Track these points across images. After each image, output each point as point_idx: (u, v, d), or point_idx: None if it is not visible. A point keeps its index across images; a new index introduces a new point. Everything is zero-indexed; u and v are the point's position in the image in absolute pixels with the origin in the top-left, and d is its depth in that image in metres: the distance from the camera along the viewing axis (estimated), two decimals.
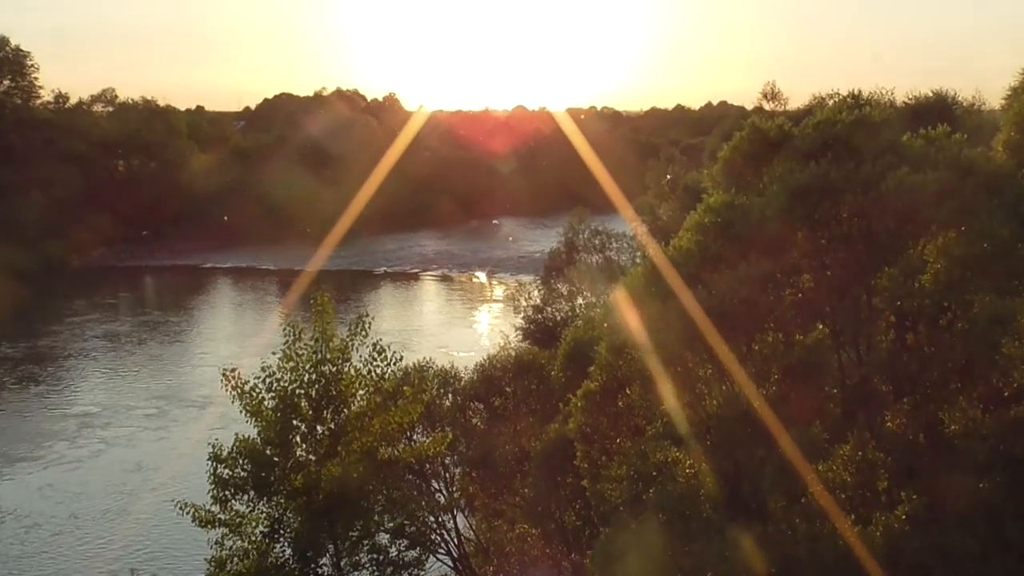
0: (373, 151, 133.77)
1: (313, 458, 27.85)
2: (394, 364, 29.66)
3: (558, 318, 64.88)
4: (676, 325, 19.64)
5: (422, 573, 31.04)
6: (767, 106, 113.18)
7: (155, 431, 62.27)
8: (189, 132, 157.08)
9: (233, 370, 27.47)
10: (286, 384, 27.74)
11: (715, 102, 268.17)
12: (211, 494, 27.22)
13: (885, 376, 19.73)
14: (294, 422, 27.91)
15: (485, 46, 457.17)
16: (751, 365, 19.71)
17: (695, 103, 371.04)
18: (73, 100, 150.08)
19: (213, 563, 27.16)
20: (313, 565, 27.53)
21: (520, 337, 64.45)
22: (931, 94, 72.12)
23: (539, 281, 69.91)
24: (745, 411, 19.15)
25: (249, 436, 27.74)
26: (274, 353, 28.14)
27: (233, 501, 27.34)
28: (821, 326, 20.15)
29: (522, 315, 67.26)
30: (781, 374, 19.54)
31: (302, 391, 27.89)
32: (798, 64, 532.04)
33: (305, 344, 27.98)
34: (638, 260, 58.00)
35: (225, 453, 27.32)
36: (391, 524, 30.51)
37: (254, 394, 27.53)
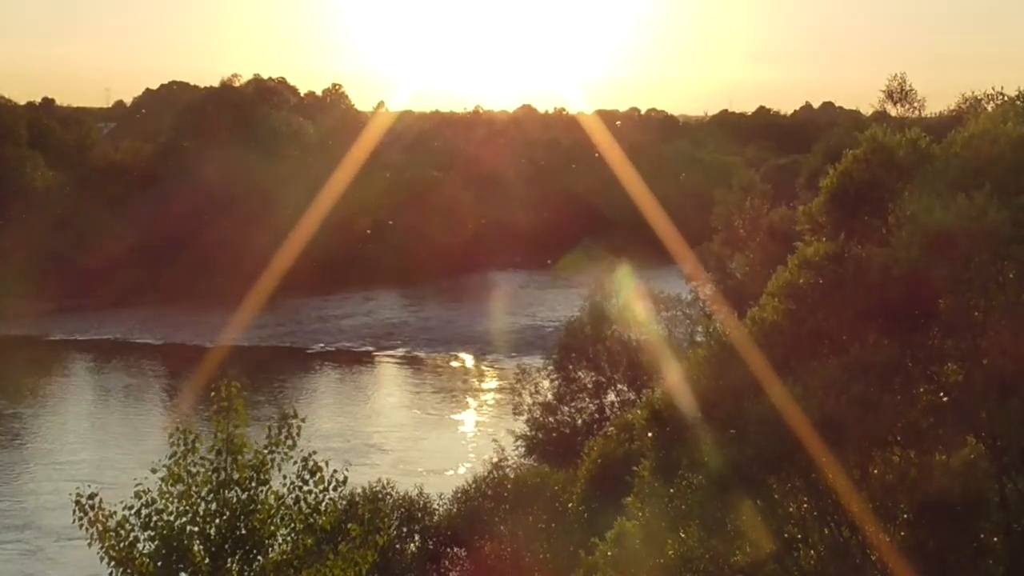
0: (309, 169, 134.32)
1: None
2: (334, 489, 29.41)
3: (578, 422, 64.76)
4: (756, 435, 19.56)
5: None
6: (894, 111, 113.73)
7: None
8: (31, 137, 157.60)
9: (92, 496, 27.23)
10: (171, 518, 27.48)
11: (816, 103, 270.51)
12: None
13: None
14: (183, 574, 27.66)
15: (468, 16, 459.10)
16: (868, 497, 19.61)
17: (785, 105, 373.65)
18: None
19: None
20: None
21: (522, 450, 64.24)
22: None
23: (551, 367, 69.77)
24: (859, 566, 19.03)
25: None
26: (154, 470, 27.92)
27: None
28: (975, 441, 20.06)
29: (525, 417, 67.12)
30: (914, 511, 19.43)
31: (196, 528, 27.64)
32: (934, 52, 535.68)
33: (202, 458, 27.72)
34: (700, 337, 57.96)
35: None
36: None
37: (123, 532, 27.28)
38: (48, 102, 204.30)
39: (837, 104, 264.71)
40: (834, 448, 19.29)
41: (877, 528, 19.23)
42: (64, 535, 67.17)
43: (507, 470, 53.73)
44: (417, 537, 46.59)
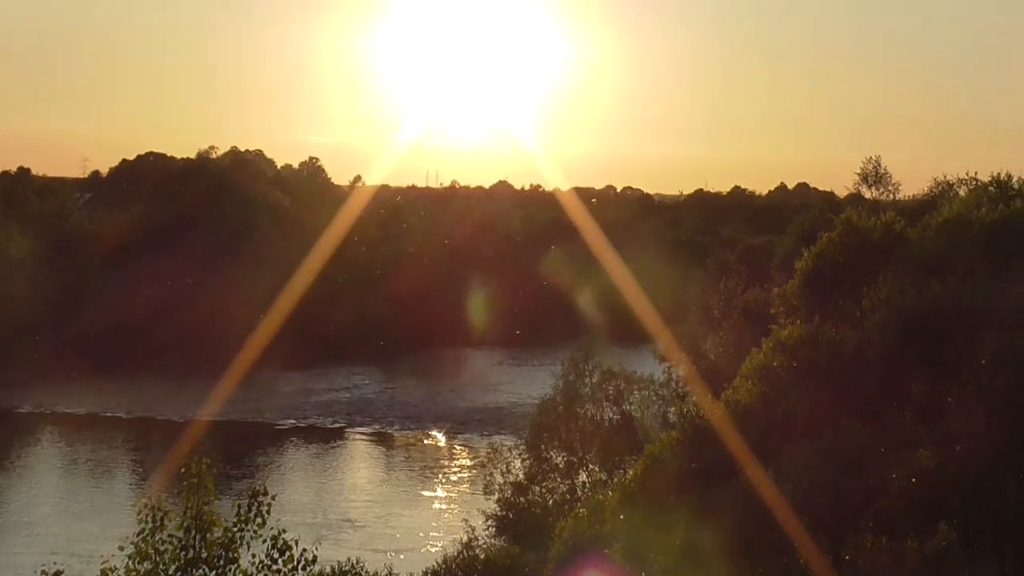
0: (286, 243, 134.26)
1: None
2: (303, 568, 29.20)
3: (550, 503, 64.46)
4: (728, 520, 19.47)
5: None
6: (868, 193, 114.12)
7: None
8: (6, 206, 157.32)
9: (57, 573, 27.00)
10: None
11: (790, 184, 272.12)
12: None
13: None
14: None
15: (443, 90, 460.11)
16: None
17: (760, 185, 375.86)
18: None
19: None
20: None
21: (493, 529, 63.94)
22: None
23: (523, 446, 69.61)
24: None
25: None
26: (121, 548, 27.68)
27: None
28: (946, 528, 19.98)
29: (496, 496, 66.83)
30: None
31: None
32: (914, 135, 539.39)
33: (170, 535, 27.53)
34: (672, 418, 57.89)
35: None
36: None
37: None
38: (24, 171, 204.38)
39: (812, 185, 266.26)
40: (807, 532, 19.20)
41: None
42: None
43: (477, 550, 53.44)
44: None
